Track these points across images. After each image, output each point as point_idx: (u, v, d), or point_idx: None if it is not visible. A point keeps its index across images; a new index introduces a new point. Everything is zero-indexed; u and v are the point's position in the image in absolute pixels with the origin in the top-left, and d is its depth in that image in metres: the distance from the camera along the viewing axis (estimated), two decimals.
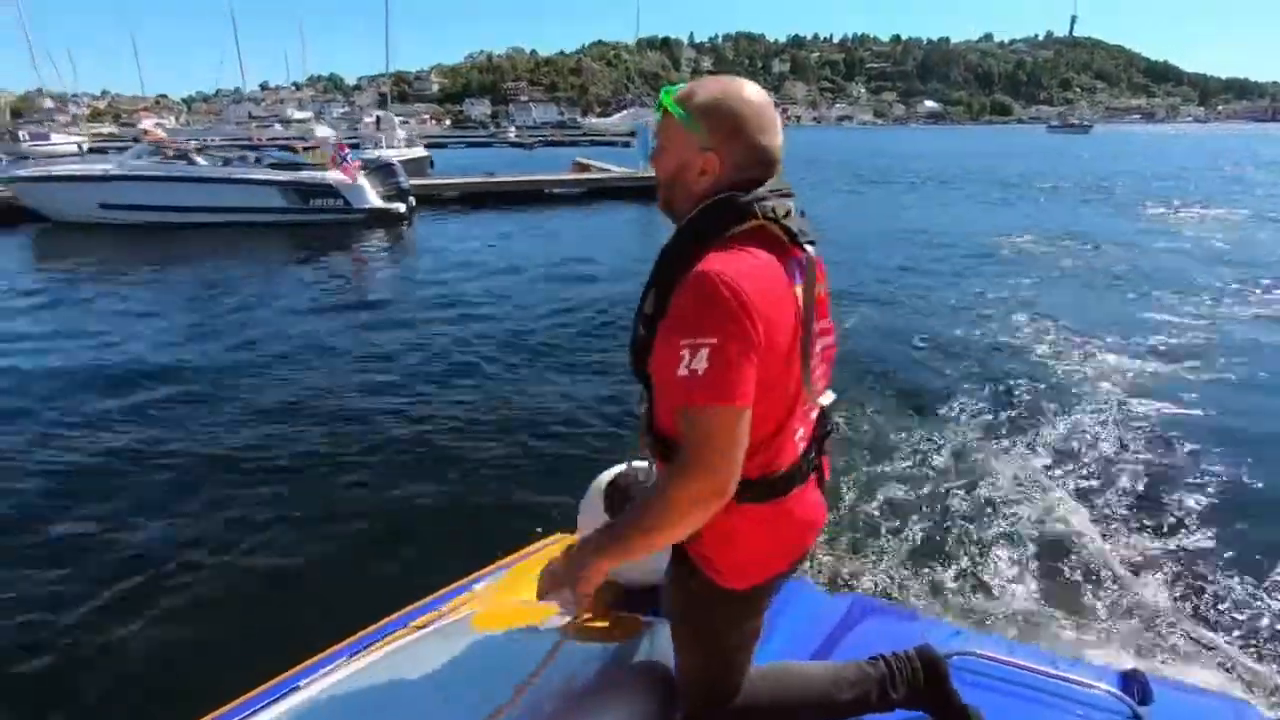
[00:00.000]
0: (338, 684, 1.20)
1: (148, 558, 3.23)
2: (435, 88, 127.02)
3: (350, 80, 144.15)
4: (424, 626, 1.47)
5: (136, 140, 54.57)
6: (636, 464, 1.33)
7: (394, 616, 1.62)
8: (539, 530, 2.22)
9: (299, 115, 73.83)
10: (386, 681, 1.21)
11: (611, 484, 1.45)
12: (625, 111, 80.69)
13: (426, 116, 69.58)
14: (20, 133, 40.90)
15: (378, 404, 5.04)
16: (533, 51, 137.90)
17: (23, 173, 14.21)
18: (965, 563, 3.09)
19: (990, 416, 4.67)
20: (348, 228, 13.56)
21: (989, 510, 3.52)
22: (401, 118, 48.75)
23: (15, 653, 2.63)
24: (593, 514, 1.46)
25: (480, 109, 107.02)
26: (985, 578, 2.99)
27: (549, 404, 5.03)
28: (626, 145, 48.00)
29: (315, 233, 13.13)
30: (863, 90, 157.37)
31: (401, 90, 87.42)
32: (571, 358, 6.07)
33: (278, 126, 61.42)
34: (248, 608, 2.93)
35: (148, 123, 78.94)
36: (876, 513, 3.49)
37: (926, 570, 3.03)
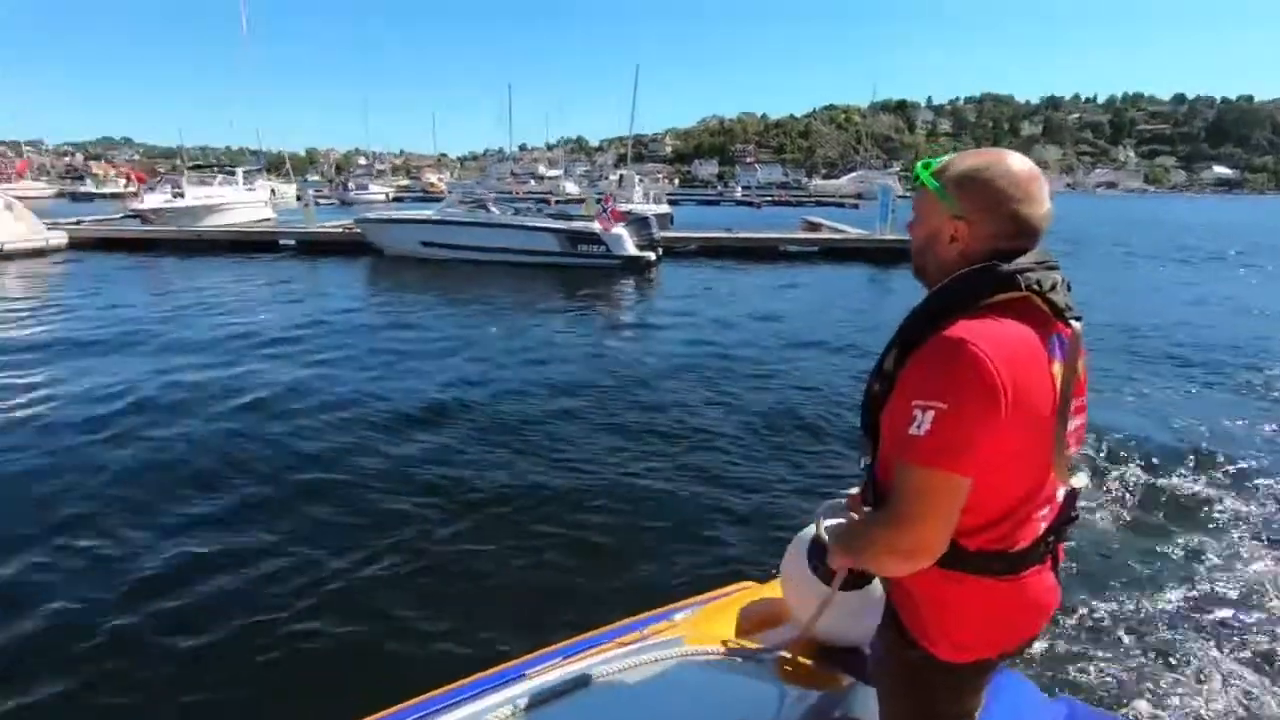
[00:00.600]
0: (559, 681, 1.31)
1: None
2: (668, 149, 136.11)
3: (593, 142, 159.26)
4: (630, 644, 1.54)
5: (425, 191, 65.07)
6: (835, 522, 1.31)
7: (596, 631, 1.70)
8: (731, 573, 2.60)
9: (550, 172, 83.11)
10: (606, 686, 1.31)
11: (815, 541, 1.42)
12: (853, 174, 79.92)
13: (660, 175, 74.75)
14: (349, 184, 52.52)
15: (607, 432, 5.67)
16: (763, 115, 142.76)
17: (369, 215, 18.02)
18: (1204, 687, 2.71)
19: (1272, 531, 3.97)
20: (606, 272, 15.31)
21: (1245, 631, 3.07)
22: (638, 176, 52.84)
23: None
24: (795, 568, 1.48)
25: (708, 169, 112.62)
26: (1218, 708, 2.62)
27: (758, 449, 5.27)
28: (855, 207, 47.63)
29: (580, 275, 14.96)
30: (1131, 154, 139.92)
31: (638, 151, 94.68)
32: (789, 408, 6.21)
33: (532, 182, 69.83)
34: (479, 605, 3.30)
35: (431, 177, 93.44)
36: (1110, 611, 3.20)
37: (1157, 686, 2.72)
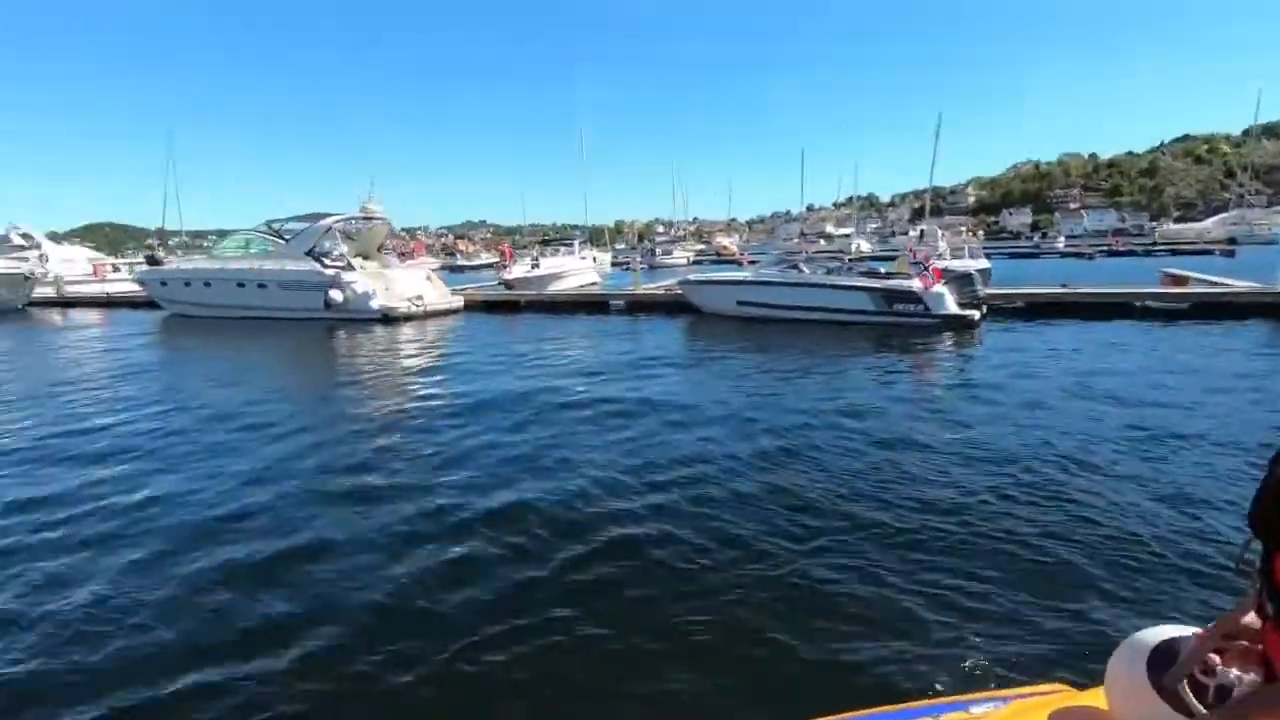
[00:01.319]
0: None
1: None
2: (970, 199, 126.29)
3: (884, 198, 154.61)
4: None
5: (718, 254, 69.10)
6: (1180, 631, 1.13)
7: (878, 710, 1.59)
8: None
9: (840, 231, 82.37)
10: None
11: (1157, 650, 1.21)
12: (1223, 215, 65.67)
13: (963, 228, 69.64)
14: (655, 250, 58.53)
15: (920, 489, 5.59)
16: (1091, 155, 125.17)
17: (691, 278, 19.86)
18: None
19: None
20: (924, 331, 14.78)
21: None
22: (940, 229, 49.81)
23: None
24: (1128, 676, 1.24)
25: (1019, 219, 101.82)
26: None
27: (1088, 533, 4.72)
28: (1229, 254, 39.18)
29: (896, 333, 14.66)
30: None
31: (936, 204, 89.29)
32: (1126, 487, 5.53)
33: (821, 241, 70.08)
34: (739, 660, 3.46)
35: (722, 240, 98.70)
36: None
37: None
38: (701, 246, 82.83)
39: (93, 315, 26.11)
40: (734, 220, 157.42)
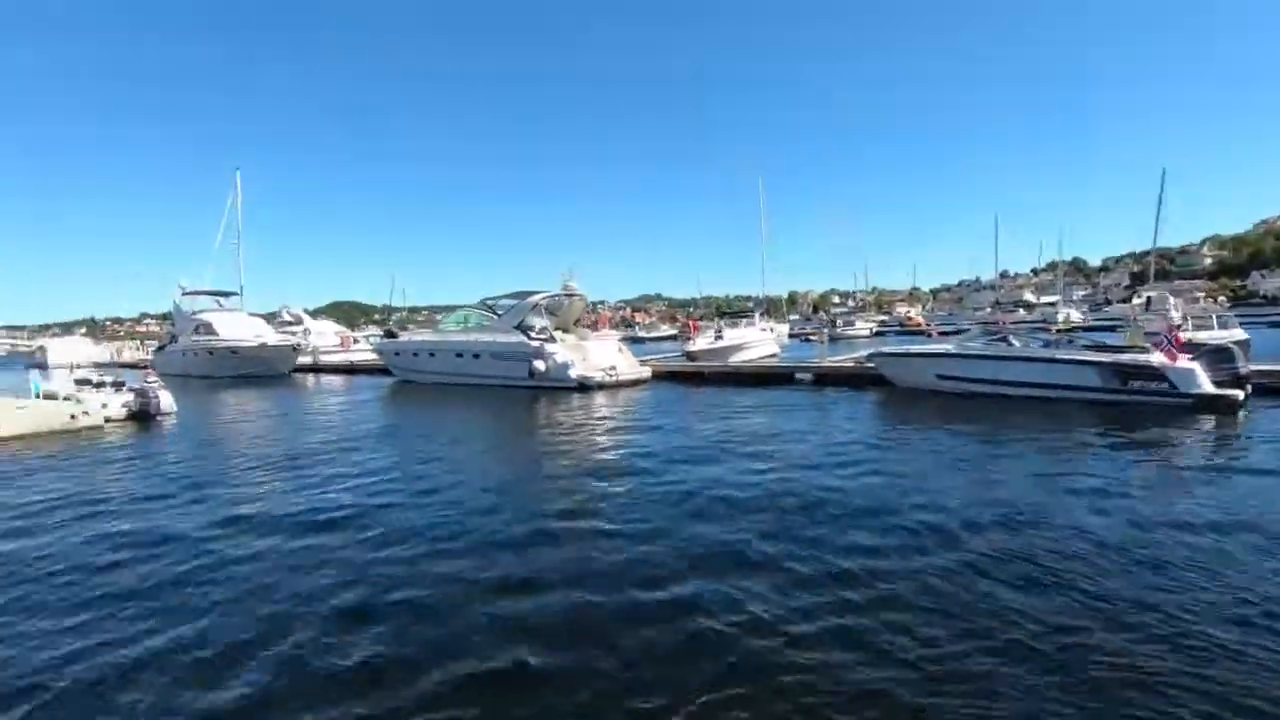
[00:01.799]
0: None
1: None
2: (1206, 260, 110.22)
3: (1092, 261, 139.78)
4: None
5: (902, 325, 66.17)
6: None
7: None
8: None
9: (1044, 299, 75.36)
10: None
11: None
12: None
13: (1199, 294, 60.69)
14: (837, 321, 57.35)
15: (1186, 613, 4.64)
16: None
17: (884, 350, 19.20)
18: None
19: None
20: (1170, 412, 12.96)
21: None
22: (1170, 295, 43.94)
23: None
24: None
25: (1274, 282, 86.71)
26: None
27: None
28: None
29: (1132, 414, 13.00)
30: None
31: (1161, 267, 78.94)
32: None
33: (1021, 311, 64.44)
34: None
35: (906, 310, 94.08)
36: None
37: None
38: (883, 317, 79.80)
39: (338, 380, 30.57)
40: (916, 289, 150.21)
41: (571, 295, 24.92)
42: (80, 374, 18.59)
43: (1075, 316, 56.36)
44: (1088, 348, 15.13)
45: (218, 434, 15.27)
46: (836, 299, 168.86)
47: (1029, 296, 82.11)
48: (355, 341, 41.08)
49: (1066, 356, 14.70)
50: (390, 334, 29.98)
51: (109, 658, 4.50)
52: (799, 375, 22.00)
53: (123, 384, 17.82)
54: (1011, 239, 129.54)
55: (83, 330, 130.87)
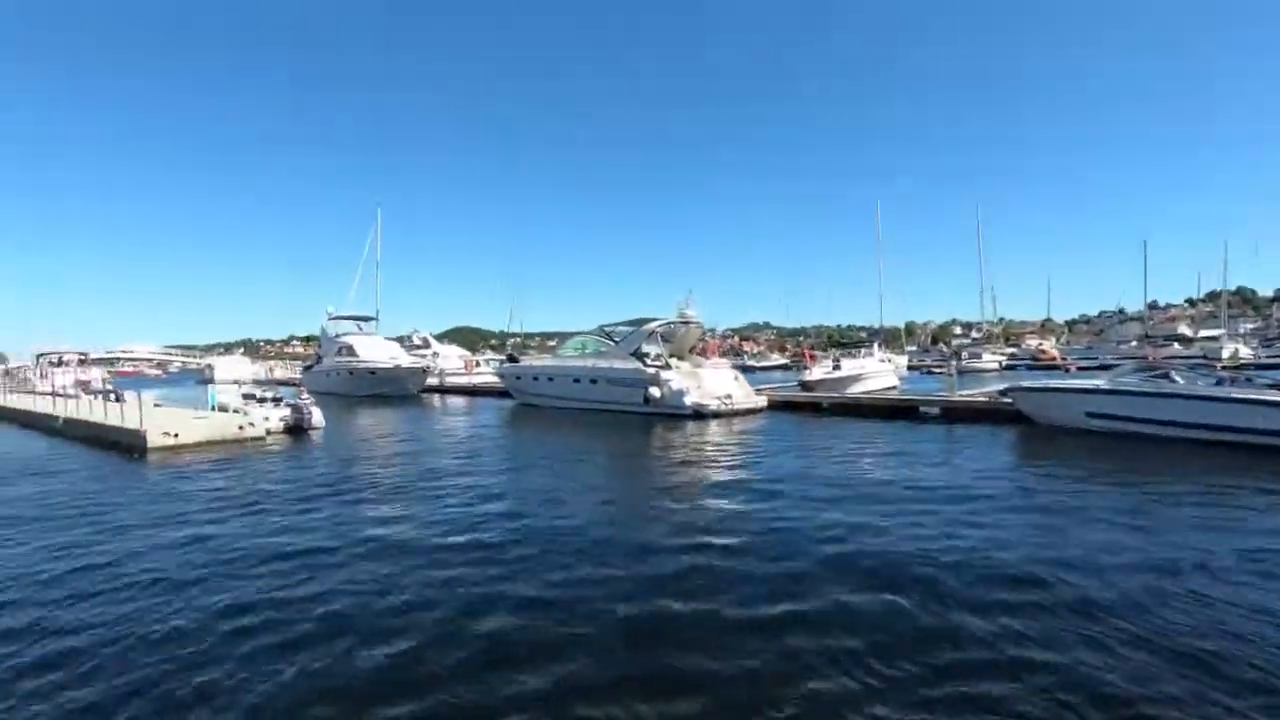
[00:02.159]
0: None
1: None
2: None
3: (1262, 292, 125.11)
4: None
5: (1034, 358, 61.65)
6: None
7: None
8: None
9: (1203, 333, 67.97)
10: None
11: None
12: None
13: None
14: (962, 353, 54.33)
15: None
16: None
17: (1024, 384, 17.93)
18: None
19: None
20: None
21: None
22: None
23: None
24: None
25: None
26: None
27: None
28: None
29: None
30: None
31: None
32: None
33: (1175, 345, 58.30)
34: None
35: (1038, 343, 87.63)
36: None
37: None
38: (1012, 350, 74.63)
39: (461, 402, 32.22)
40: (1049, 320, 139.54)
41: (688, 323, 25.08)
42: (246, 389, 20.66)
43: (1244, 352, 50.34)
44: (1272, 387, 13.45)
45: (362, 447, 16.43)
46: (959, 329, 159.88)
47: (1184, 329, 74.45)
48: (477, 365, 43.26)
49: (1246, 396, 13.13)
50: (512, 359, 31.32)
51: (282, 612, 4.94)
52: (924, 409, 20.94)
53: (280, 399, 19.62)
54: (1162, 267, 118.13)
55: (240, 350, 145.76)
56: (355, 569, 6.73)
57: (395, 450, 15.87)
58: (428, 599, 5.87)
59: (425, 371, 35.80)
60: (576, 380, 24.88)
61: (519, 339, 69.42)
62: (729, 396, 22.01)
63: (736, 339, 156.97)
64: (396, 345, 39.76)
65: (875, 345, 33.72)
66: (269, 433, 17.43)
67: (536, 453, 15.31)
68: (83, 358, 43.47)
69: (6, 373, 43.60)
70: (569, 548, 7.34)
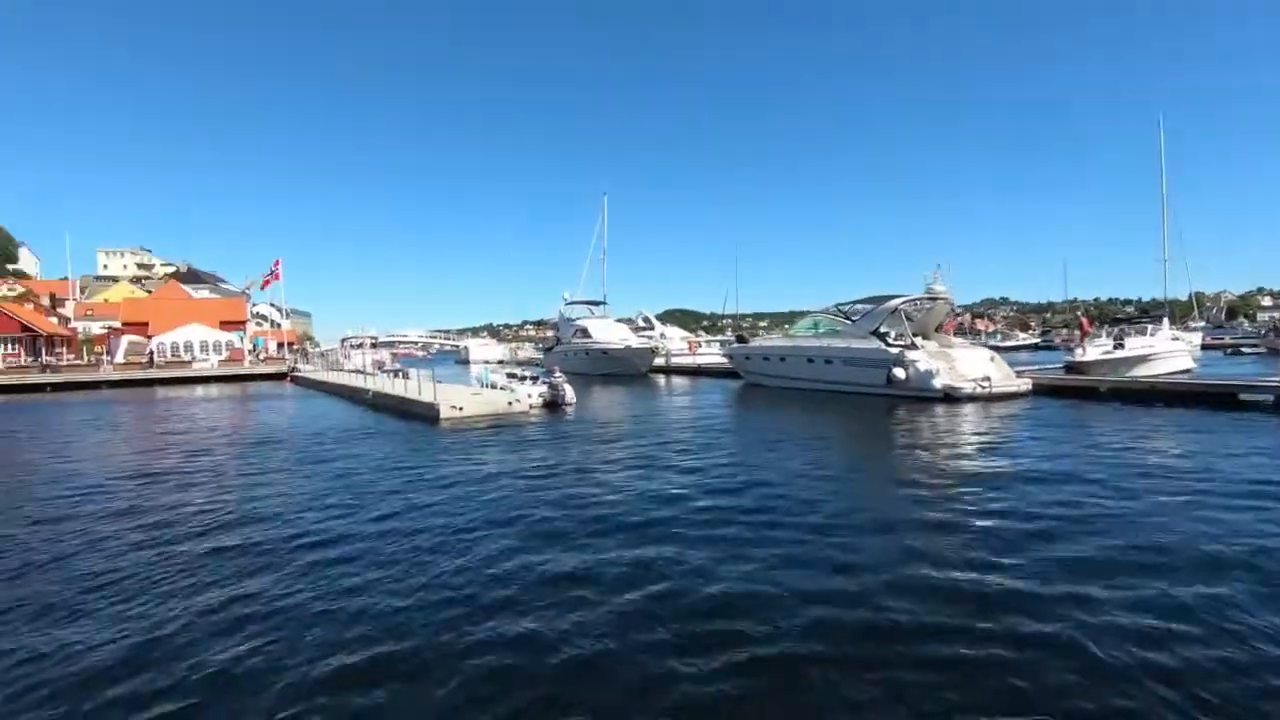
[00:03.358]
0: None
1: None
2: None
3: None
4: None
5: None
6: None
7: None
8: None
9: None
10: None
11: None
12: None
13: None
14: None
15: None
16: None
17: None
18: None
19: None
20: None
21: None
22: None
23: None
24: None
25: None
26: None
27: None
28: None
29: None
30: None
31: None
32: None
33: None
34: None
35: None
36: None
37: None
38: None
39: (686, 382, 33.03)
40: None
41: (935, 299, 23.16)
42: (508, 369, 23.04)
43: None
44: None
45: (611, 422, 17.46)
46: (1267, 300, 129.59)
47: None
48: (699, 346, 44.12)
49: None
50: (742, 339, 31.38)
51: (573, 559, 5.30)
52: (1246, 396, 17.24)
53: (538, 378, 21.56)
54: None
55: (484, 334, 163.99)
56: (641, 519, 7.08)
57: (639, 424, 16.63)
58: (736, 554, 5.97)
59: (654, 352, 37.27)
60: (810, 360, 24.18)
61: (735, 320, 69.56)
62: (986, 379, 19.93)
63: (969, 316, 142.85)
64: (626, 328, 41.87)
65: (1163, 320, 28.38)
66: (531, 408, 19.23)
67: (770, 431, 15.16)
68: (373, 341, 51.65)
69: (321, 354, 53.29)
70: (826, 526, 7.05)
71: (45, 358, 43.38)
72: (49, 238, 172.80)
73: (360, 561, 6.50)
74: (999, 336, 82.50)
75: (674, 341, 44.52)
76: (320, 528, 7.74)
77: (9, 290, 55.70)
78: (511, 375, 22.01)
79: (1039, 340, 77.36)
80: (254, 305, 64.67)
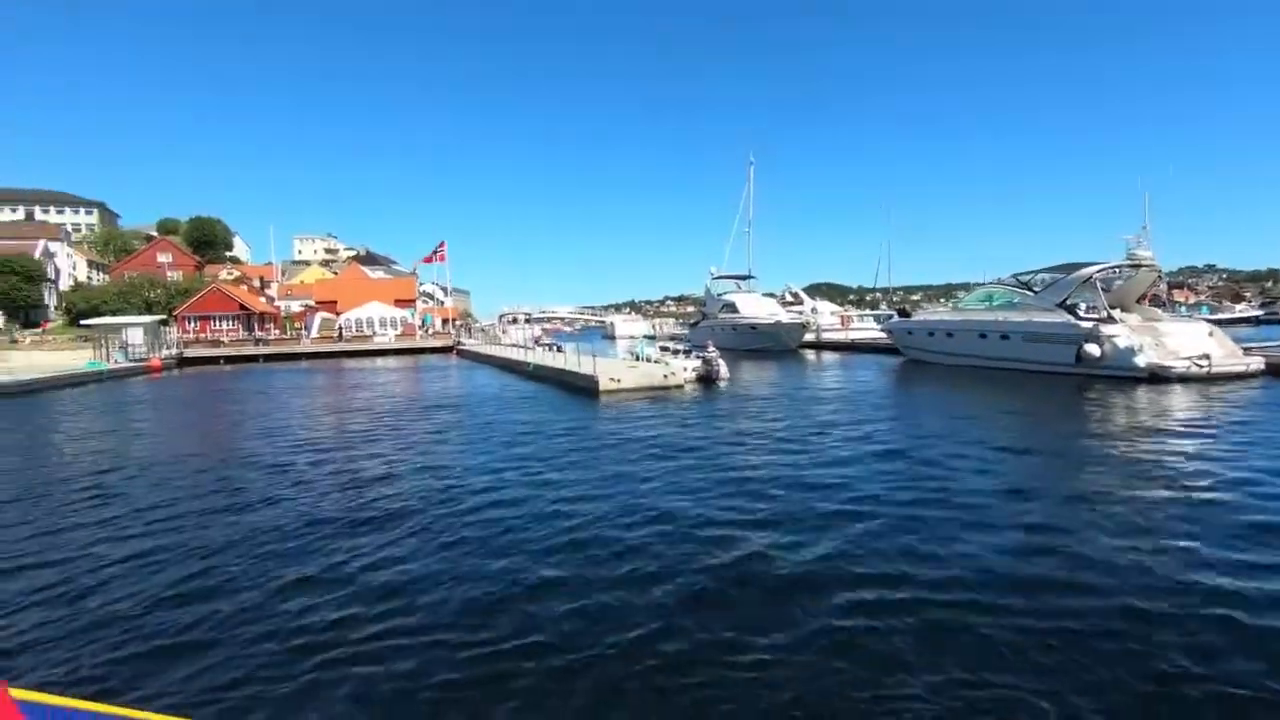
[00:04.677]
0: None
1: None
2: None
3: None
4: None
5: None
6: None
7: None
8: None
9: None
10: None
11: None
12: None
13: None
14: None
15: None
16: None
17: None
18: None
19: None
20: None
21: None
22: None
23: None
24: None
25: None
26: None
27: None
28: None
29: None
30: None
31: None
32: None
33: None
34: None
35: None
36: None
37: None
38: None
39: (837, 358, 31.72)
40: None
41: (1138, 266, 20.40)
42: (660, 343, 23.28)
43: None
44: None
45: (769, 397, 17.11)
46: None
47: None
48: (852, 320, 42.21)
49: None
50: (903, 312, 29.60)
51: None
52: None
53: (690, 352, 21.59)
54: None
55: (627, 309, 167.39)
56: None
57: (791, 401, 16.14)
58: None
59: (804, 327, 36.15)
60: (983, 335, 22.23)
61: (886, 294, 65.93)
62: (1204, 357, 17.31)
63: (1164, 286, 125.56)
64: (775, 302, 40.89)
65: None
66: (686, 382, 19.29)
67: (938, 412, 14.10)
68: (527, 317, 54.32)
69: (482, 329, 56.92)
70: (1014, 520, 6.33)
71: (257, 332, 49.68)
72: (255, 227, 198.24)
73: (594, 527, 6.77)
74: (1206, 309, 71.87)
75: (825, 316, 42.88)
76: (512, 482, 8.18)
77: (228, 275, 64.33)
78: (664, 349, 22.22)
79: (1260, 313, 66.55)
80: (421, 285, 70.17)
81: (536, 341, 37.34)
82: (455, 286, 68.27)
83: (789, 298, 46.82)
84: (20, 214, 77.21)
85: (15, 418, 17.27)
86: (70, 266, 62.16)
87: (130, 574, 5.69)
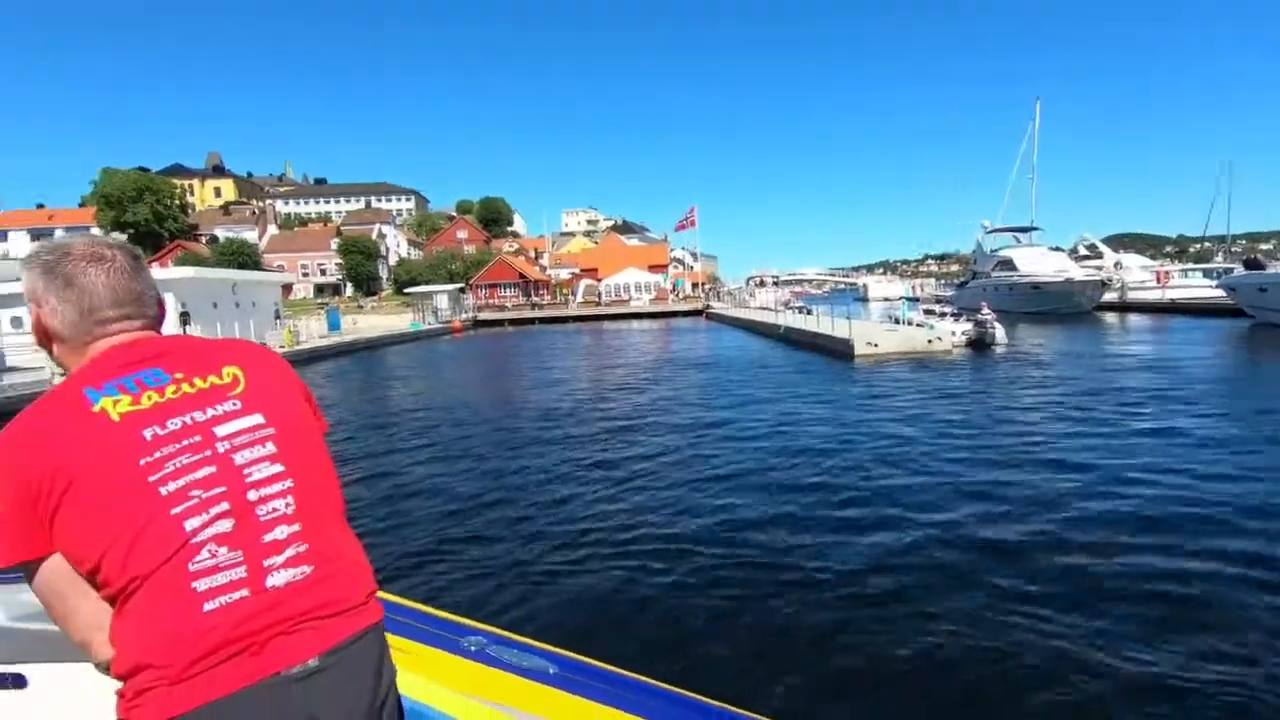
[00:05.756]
0: None
1: None
2: None
3: None
4: None
5: None
6: None
7: None
8: None
9: None
10: None
11: None
12: None
13: None
14: None
15: None
16: None
17: None
18: None
19: None
20: None
21: None
22: None
23: None
24: None
25: None
26: None
27: None
28: None
29: None
30: None
31: None
32: None
33: None
34: None
35: None
36: None
37: None
38: None
39: (1148, 321, 26.32)
40: None
41: None
42: (925, 305, 21.39)
43: None
44: None
45: (1063, 367, 14.80)
46: None
47: None
48: (1171, 277, 34.71)
49: None
50: (1255, 263, 23.55)
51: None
52: None
53: (960, 314, 19.51)
54: None
55: (880, 270, 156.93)
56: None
57: (1107, 373, 13.69)
58: None
59: (1103, 285, 30.52)
60: None
61: (1222, 243, 53.31)
62: None
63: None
64: (1064, 257, 34.96)
65: None
66: (955, 346, 17.51)
67: None
68: (775, 279, 53.56)
69: (730, 293, 57.53)
70: None
71: (533, 298, 55.79)
72: (531, 203, 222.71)
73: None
74: None
75: (1132, 271, 35.80)
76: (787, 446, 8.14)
77: (509, 248, 72.89)
78: (929, 311, 20.38)
79: None
80: (672, 250, 72.79)
81: (786, 304, 36.67)
82: (704, 251, 69.74)
83: (1085, 250, 39.89)
84: (361, 203, 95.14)
85: (366, 369, 21.61)
86: (396, 245, 75.22)
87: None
